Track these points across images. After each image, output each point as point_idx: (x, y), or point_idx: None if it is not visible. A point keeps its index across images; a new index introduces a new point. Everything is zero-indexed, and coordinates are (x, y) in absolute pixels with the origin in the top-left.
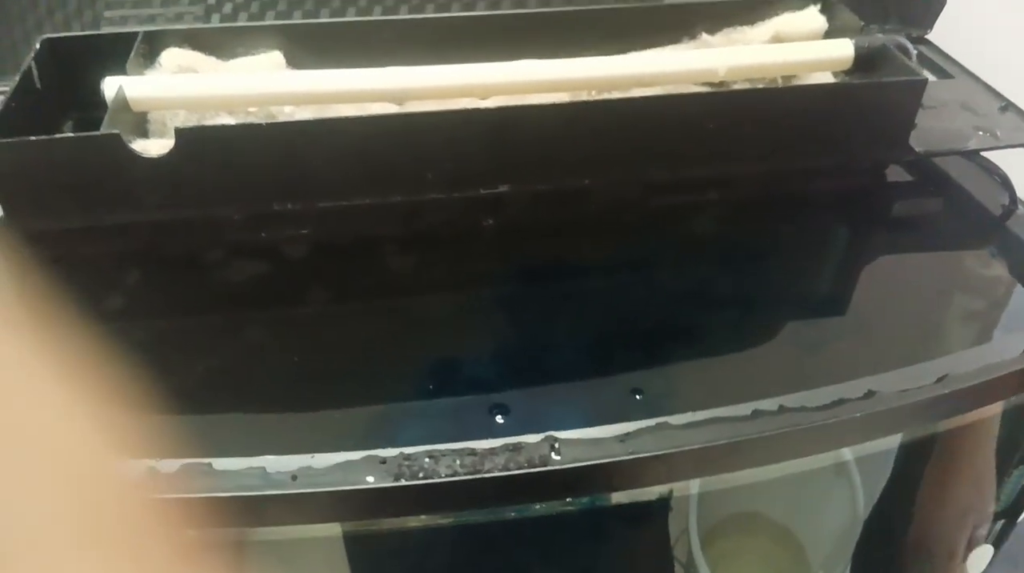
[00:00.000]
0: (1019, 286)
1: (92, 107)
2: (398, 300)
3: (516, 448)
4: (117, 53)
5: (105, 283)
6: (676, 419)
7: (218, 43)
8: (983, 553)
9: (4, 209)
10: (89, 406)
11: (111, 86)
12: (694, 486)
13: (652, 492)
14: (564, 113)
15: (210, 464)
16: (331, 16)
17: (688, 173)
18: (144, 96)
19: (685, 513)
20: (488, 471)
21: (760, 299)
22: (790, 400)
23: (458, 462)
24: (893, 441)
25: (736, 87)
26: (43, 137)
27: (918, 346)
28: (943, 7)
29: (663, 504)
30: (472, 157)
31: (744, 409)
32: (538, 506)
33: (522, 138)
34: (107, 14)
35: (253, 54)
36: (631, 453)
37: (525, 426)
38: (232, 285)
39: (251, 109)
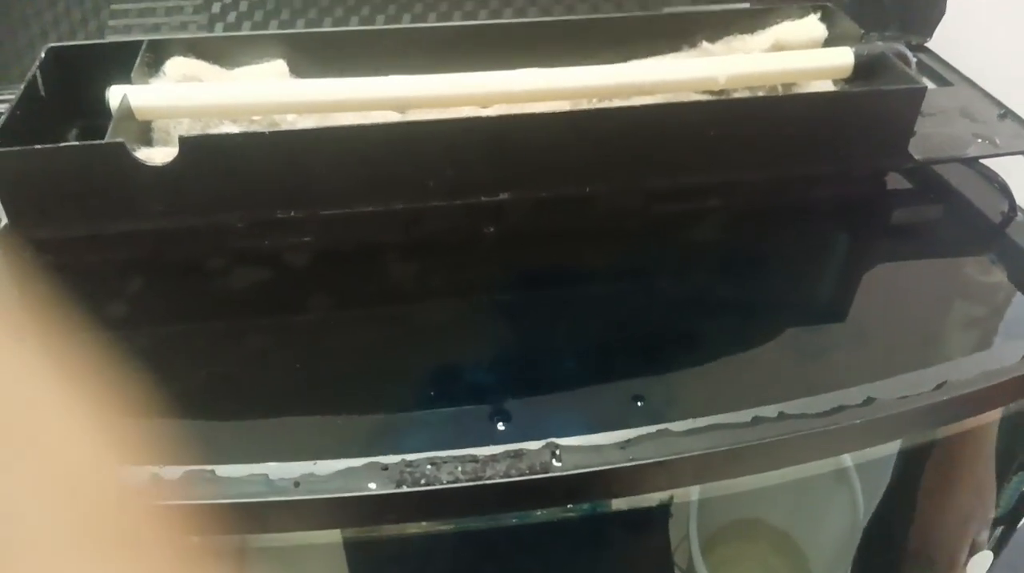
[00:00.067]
0: (1018, 293)
1: (96, 115)
2: (400, 307)
3: (517, 455)
4: (121, 62)
5: (109, 290)
6: (677, 426)
7: (222, 52)
8: (982, 559)
9: (9, 217)
10: (93, 413)
11: (116, 95)
12: (694, 493)
13: (652, 498)
14: (565, 121)
15: (213, 471)
16: (334, 25)
17: (688, 181)
18: (149, 105)
19: (685, 520)
20: (489, 478)
21: (760, 306)
22: (790, 407)
23: (460, 469)
24: (893, 447)
25: (736, 95)
26: (48, 145)
27: (917, 353)
28: (942, 15)
29: (663, 511)
30: (473, 165)
31: (744, 416)
32: (539, 513)
33: (523, 146)
34: (111, 23)
35: (257, 63)
36: (632, 460)
37: (526, 433)
38: (235, 292)
39: (255, 117)
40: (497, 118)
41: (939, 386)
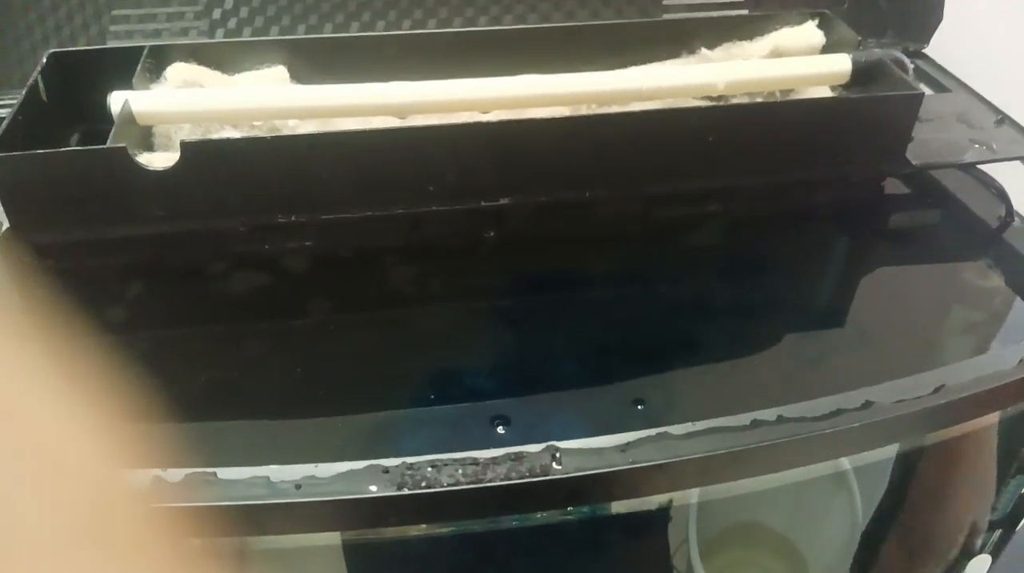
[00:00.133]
0: (1015, 297)
1: (98, 121)
2: (401, 311)
3: (518, 457)
4: (123, 67)
5: (110, 294)
6: (676, 429)
7: (223, 58)
8: (981, 563)
9: (10, 221)
10: (94, 416)
11: (117, 100)
12: (694, 496)
13: (652, 502)
14: (565, 127)
15: (215, 473)
16: (334, 31)
17: (688, 186)
18: (150, 110)
19: (685, 523)
20: (490, 480)
21: (759, 310)
22: (789, 410)
23: (460, 471)
24: (891, 451)
25: (735, 101)
26: (49, 150)
27: (915, 357)
28: (940, 22)
29: (663, 514)
30: (474, 170)
31: (744, 419)
32: (539, 515)
33: (523, 151)
34: (112, 28)
35: (257, 69)
36: (632, 462)
37: (527, 436)
38: (237, 296)
39: (255, 123)
40: (497, 123)
41: (937, 390)
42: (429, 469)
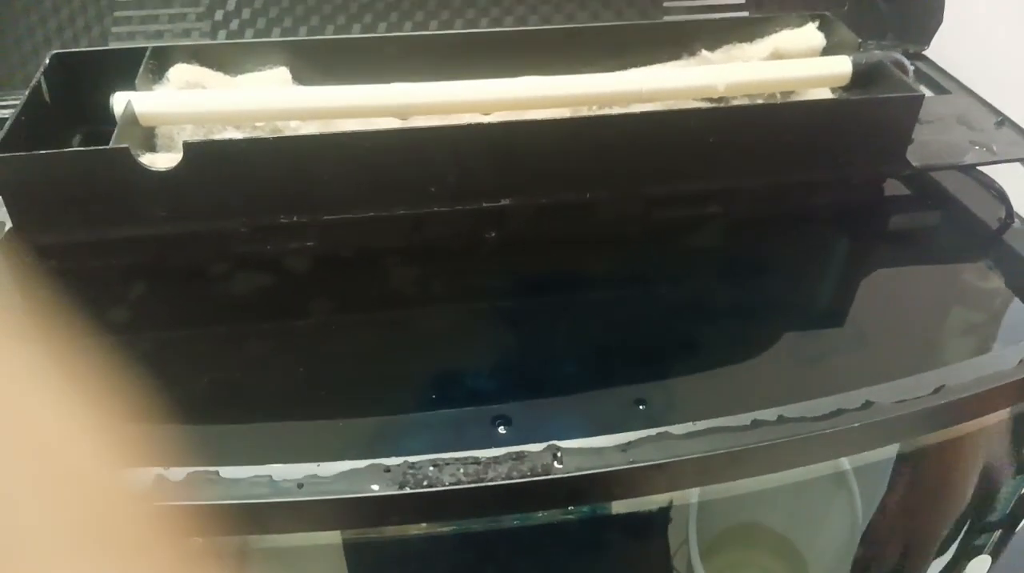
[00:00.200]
0: (1015, 299)
1: (100, 122)
2: (402, 311)
3: (519, 457)
4: (125, 68)
5: (113, 295)
6: (677, 429)
7: (225, 59)
8: (981, 563)
9: (13, 222)
10: (97, 416)
11: (120, 101)
12: (694, 496)
13: (652, 502)
14: (565, 128)
15: (217, 472)
16: (336, 33)
17: (688, 187)
18: (153, 111)
19: (685, 523)
20: (491, 480)
21: (760, 311)
22: (789, 410)
23: (462, 471)
24: (891, 451)
25: (735, 103)
26: (52, 151)
27: (915, 357)
28: (940, 23)
29: (663, 514)
30: (475, 171)
31: (744, 419)
32: (539, 515)
33: (524, 152)
34: (115, 30)
35: (260, 70)
36: (632, 462)
37: (528, 435)
38: (239, 297)
39: (258, 124)
40: (498, 125)
41: (937, 390)
42: (431, 468)
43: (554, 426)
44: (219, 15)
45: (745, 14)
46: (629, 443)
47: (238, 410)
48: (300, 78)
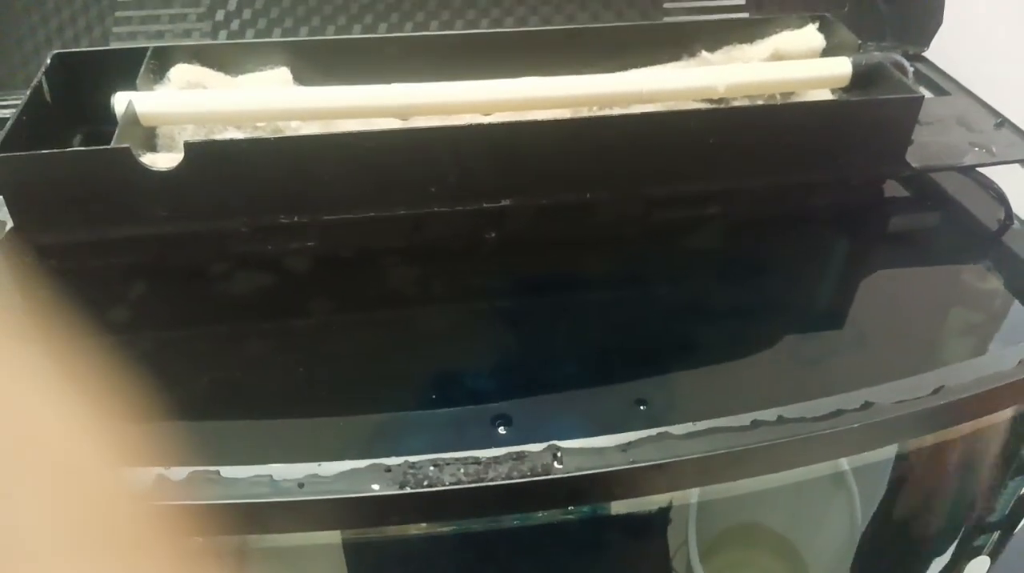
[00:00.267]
0: (1015, 299)
1: (101, 121)
2: (402, 311)
3: (519, 457)
4: (126, 68)
5: (114, 295)
6: (677, 429)
7: (226, 59)
8: (980, 564)
9: (14, 221)
10: (98, 415)
11: (121, 101)
12: (693, 496)
13: (652, 502)
14: (566, 129)
15: (218, 472)
16: (337, 33)
17: (688, 188)
18: (154, 111)
19: (684, 524)
20: (492, 479)
21: (760, 311)
22: (789, 411)
23: (462, 470)
24: (891, 452)
25: (735, 104)
26: (53, 151)
27: (915, 358)
28: (940, 25)
29: (662, 515)
30: (475, 171)
31: (744, 419)
32: (540, 515)
33: (525, 153)
34: (116, 30)
35: (261, 70)
36: (633, 462)
37: (528, 435)
38: (239, 297)
39: (259, 124)
40: (499, 125)
41: (936, 391)
42: (431, 468)
43: (554, 426)
44: (220, 15)
45: (745, 15)
46: (629, 443)
47: (239, 410)
48: (301, 78)
